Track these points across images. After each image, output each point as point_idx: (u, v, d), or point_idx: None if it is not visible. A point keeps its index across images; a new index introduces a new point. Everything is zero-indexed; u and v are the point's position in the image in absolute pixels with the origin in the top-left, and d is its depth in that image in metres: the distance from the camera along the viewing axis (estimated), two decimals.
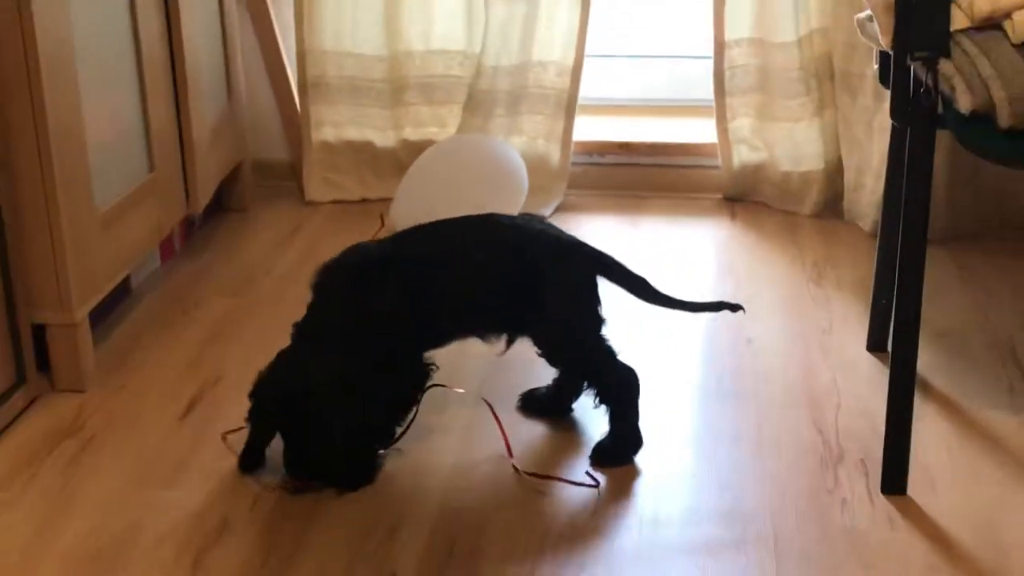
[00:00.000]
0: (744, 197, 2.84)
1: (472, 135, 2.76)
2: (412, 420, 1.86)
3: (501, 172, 2.60)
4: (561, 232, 1.88)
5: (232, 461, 1.82)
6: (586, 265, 1.85)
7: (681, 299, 1.87)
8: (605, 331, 1.85)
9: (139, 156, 2.24)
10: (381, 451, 1.82)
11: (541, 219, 1.96)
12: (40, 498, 1.76)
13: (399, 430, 1.85)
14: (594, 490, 1.77)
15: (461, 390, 2.00)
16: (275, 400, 1.75)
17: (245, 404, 1.77)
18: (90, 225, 2.03)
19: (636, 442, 1.84)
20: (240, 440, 1.82)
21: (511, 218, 1.92)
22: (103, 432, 1.93)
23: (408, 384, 1.85)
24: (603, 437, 1.85)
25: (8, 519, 1.72)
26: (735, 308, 1.87)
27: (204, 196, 2.49)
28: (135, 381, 2.08)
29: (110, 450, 1.88)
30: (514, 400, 1.98)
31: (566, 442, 1.89)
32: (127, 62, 2.18)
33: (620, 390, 1.84)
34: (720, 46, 2.71)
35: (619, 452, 1.84)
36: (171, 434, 1.92)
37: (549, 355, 1.88)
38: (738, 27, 2.69)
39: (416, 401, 1.86)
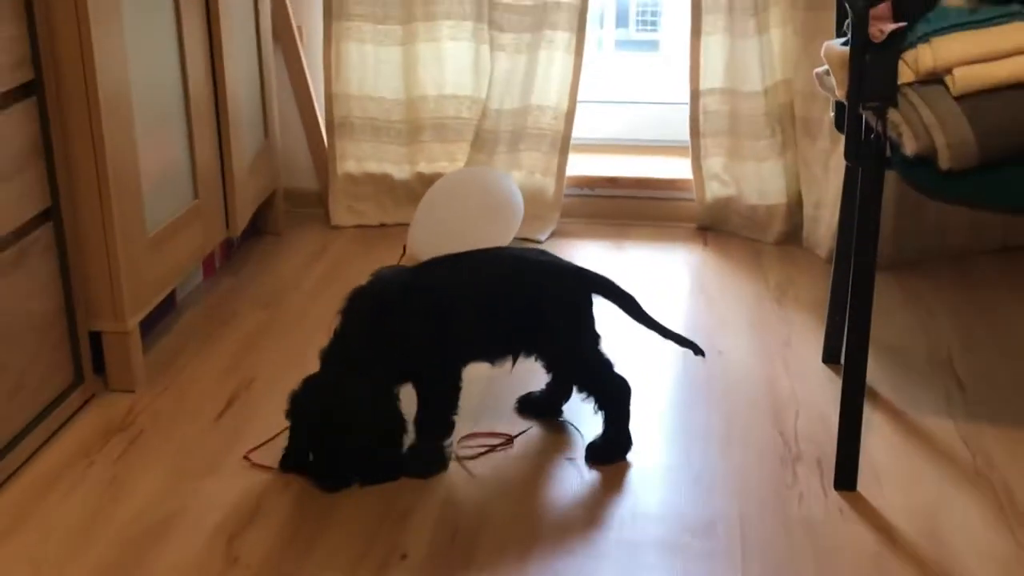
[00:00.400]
0: (715, 227, 2.84)
1: (475, 168, 2.76)
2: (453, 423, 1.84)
3: (501, 199, 2.60)
4: (559, 259, 1.88)
5: (258, 470, 1.82)
6: (583, 287, 1.84)
7: (660, 324, 1.86)
8: (602, 345, 1.85)
9: (185, 185, 2.23)
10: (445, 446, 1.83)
11: (541, 250, 1.94)
12: (94, 485, 1.76)
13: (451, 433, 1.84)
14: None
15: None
16: (307, 422, 1.74)
17: (275, 405, 1.77)
18: (141, 246, 2.02)
19: (627, 443, 1.84)
20: (263, 455, 1.82)
21: (516, 250, 1.92)
22: (150, 428, 1.92)
23: (437, 399, 1.84)
24: (596, 437, 1.85)
25: (66, 503, 1.71)
26: (698, 352, 1.85)
27: (242, 221, 2.49)
28: (179, 383, 2.08)
29: (156, 444, 1.88)
30: (511, 402, 1.98)
31: (561, 442, 1.89)
32: (176, 104, 2.18)
33: (616, 398, 1.83)
34: (695, 94, 2.71)
35: (613, 452, 1.84)
36: (210, 430, 1.92)
37: (553, 369, 1.87)
38: (711, 78, 2.69)
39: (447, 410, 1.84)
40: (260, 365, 2.14)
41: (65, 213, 1.89)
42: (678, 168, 2.86)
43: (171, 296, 2.34)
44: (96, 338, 2.00)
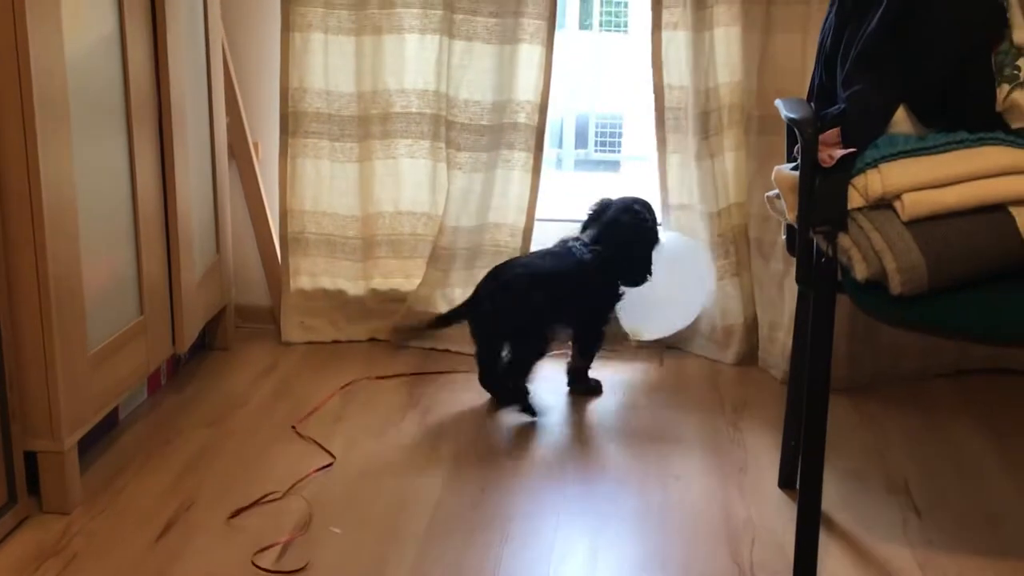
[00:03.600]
0: (673, 346, 2.83)
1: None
2: None
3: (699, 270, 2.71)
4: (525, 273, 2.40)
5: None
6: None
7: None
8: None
9: (131, 301, 2.20)
10: None
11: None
12: None
13: None
14: None
15: None
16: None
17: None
18: (82, 363, 1.98)
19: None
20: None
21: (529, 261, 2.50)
22: (85, 551, 1.86)
23: None
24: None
25: None
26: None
27: (189, 337, 2.45)
28: (117, 505, 2.01)
29: (91, 568, 1.81)
30: None
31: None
32: (125, 219, 2.16)
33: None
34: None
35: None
36: (147, 554, 1.85)
37: None
38: (669, 197, 2.72)
39: None
40: (202, 486, 2.08)
41: (3, 327, 1.84)
42: None
43: (113, 412, 2.29)
44: (31, 457, 1.94)
